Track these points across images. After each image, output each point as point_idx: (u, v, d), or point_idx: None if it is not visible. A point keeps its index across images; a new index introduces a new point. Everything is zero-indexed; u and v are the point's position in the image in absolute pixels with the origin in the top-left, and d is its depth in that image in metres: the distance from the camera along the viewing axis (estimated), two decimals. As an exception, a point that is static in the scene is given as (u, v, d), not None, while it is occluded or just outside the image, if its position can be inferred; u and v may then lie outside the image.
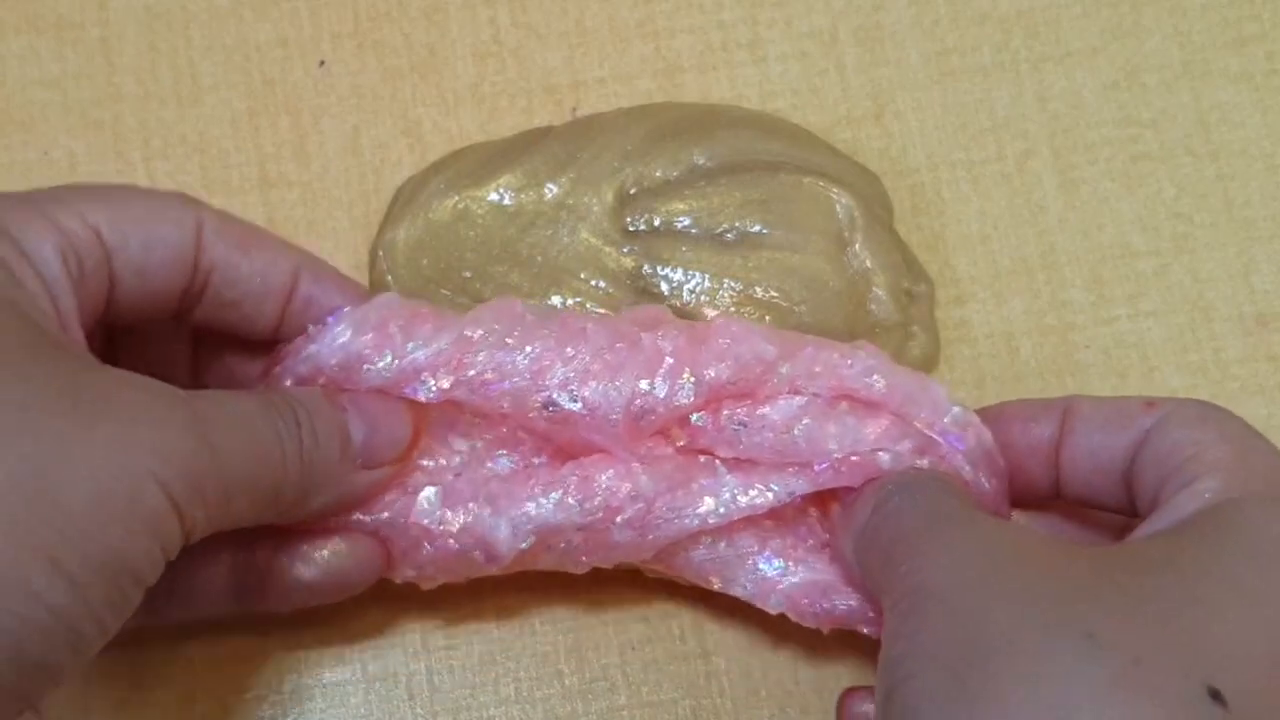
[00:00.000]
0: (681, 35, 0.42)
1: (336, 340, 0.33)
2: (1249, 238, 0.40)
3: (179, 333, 0.35)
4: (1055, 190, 0.41)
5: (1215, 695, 0.25)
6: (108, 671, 0.36)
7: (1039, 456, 0.33)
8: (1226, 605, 0.27)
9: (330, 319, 0.34)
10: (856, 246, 0.38)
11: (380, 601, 0.37)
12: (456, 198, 0.39)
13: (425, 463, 0.35)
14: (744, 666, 0.37)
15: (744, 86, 0.42)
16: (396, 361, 0.33)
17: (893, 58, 0.42)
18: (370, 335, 0.33)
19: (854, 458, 0.33)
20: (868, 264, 0.38)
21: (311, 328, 0.34)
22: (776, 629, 0.37)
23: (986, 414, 0.34)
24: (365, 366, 0.33)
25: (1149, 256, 0.40)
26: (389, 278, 0.38)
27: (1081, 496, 0.33)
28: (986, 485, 0.33)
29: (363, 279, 0.39)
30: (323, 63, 0.42)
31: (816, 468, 0.33)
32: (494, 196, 0.39)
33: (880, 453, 0.33)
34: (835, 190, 0.39)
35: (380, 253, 0.39)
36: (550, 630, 0.37)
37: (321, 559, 0.34)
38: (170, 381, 0.31)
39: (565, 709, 0.36)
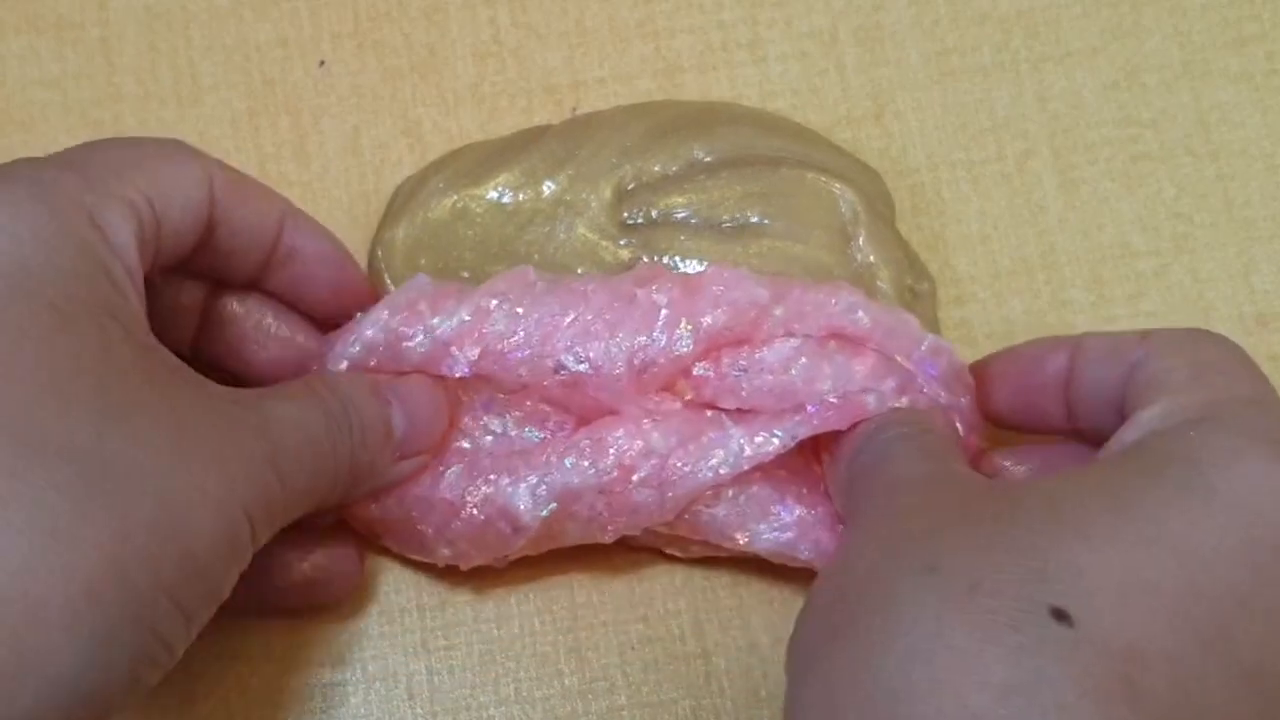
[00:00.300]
0: (681, 35, 0.42)
1: (379, 322, 0.35)
2: (1249, 238, 0.40)
3: (193, 285, 0.36)
4: (1055, 190, 0.41)
5: (1059, 615, 0.25)
6: (108, 671, 0.36)
7: (1052, 392, 0.34)
8: (1098, 530, 0.26)
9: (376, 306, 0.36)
10: (860, 241, 0.38)
11: (380, 601, 0.37)
12: (455, 196, 0.39)
13: (464, 445, 0.36)
14: (744, 666, 0.37)
15: (744, 86, 0.42)
16: (428, 337, 0.35)
17: (893, 58, 0.42)
18: (403, 314, 0.35)
19: (842, 399, 0.34)
20: (871, 259, 0.38)
21: (359, 314, 0.36)
22: (776, 629, 0.37)
23: (1002, 353, 0.35)
24: (404, 344, 0.35)
25: (1149, 256, 0.40)
26: (387, 277, 0.38)
27: (1092, 430, 0.33)
28: (962, 402, 0.35)
29: (362, 279, 0.39)
30: (323, 63, 0.42)
31: (810, 409, 0.34)
32: (492, 195, 0.39)
33: (866, 394, 0.34)
34: (838, 186, 0.39)
35: (379, 252, 0.39)
36: (550, 630, 0.37)
37: (301, 570, 0.35)
38: (178, 330, 0.35)
39: (565, 709, 0.36)
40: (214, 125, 0.41)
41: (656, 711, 0.36)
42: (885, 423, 0.34)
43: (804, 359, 0.35)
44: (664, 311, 0.35)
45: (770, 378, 0.35)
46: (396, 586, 0.37)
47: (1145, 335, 0.32)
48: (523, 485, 0.34)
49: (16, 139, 0.41)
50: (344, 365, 0.35)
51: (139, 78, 0.41)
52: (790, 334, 0.35)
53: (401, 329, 0.35)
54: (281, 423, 0.31)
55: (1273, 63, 0.42)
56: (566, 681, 0.37)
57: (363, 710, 0.36)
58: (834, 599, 0.28)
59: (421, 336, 0.35)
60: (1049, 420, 0.34)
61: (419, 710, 0.36)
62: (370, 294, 0.37)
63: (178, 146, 0.33)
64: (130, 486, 0.27)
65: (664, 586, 0.37)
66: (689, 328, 0.34)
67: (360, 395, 0.33)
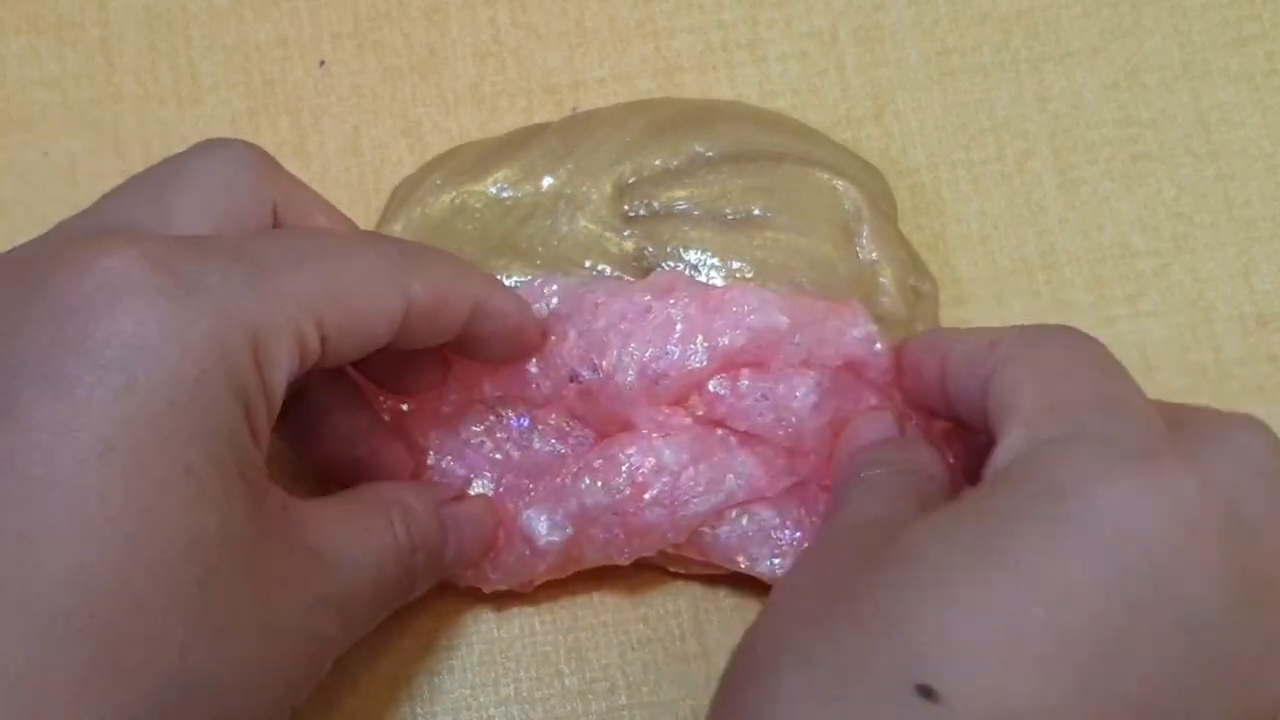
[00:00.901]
0: (681, 35, 0.42)
1: None
2: (1249, 238, 0.40)
3: None
4: (1055, 190, 0.41)
5: (925, 691, 0.24)
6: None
7: (935, 395, 0.33)
8: (962, 585, 0.25)
9: None
10: (863, 239, 0.38)
11: (380, 601, 0.37)
12: (454, 193, 0.39)
13: (496, 456, 0.36)
14: (744, 666, 0.37)
15: (744, 86, 0.42)
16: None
17: (893, 58, 0.42)
18: None
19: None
20: (874, 256, 0.38)
21: None
22: (776, 629, 0.37)
23: (902, 346, 0.34)
24: None
25: (1149, 256, 0.40)
26: (389, 277, 0.38)
27: (977, 430, 0.32)
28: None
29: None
30: (323, 63, 0.42)
31: (813, 456, 0.35)
32: (491, 190, 0.39)
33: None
34: (840, 183, 0.39)
35: (379, 252, 0.39)
36: (550, 630, 0.37)
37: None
38: None
39: (565, 709, 0.36)
40: (214, 125, 0.41)
41: (656, 711, 0.36)
42: (868, 460, 0.33)
43: (826, 416, 0.35)
44: (679, 326, 0.35)
45: (794, 420, 0.35)
46: (396, 586, 0.37)
47: (995, 342, 0.30)
48: (540, 509, 0.34)
49: (16, 139, 0.41)
50: None
51: (139, 78, 0.41)
52: (806, 363, 0.35)
53: None
54: (355, 571, 0.30)
55: (1273, 63, 0.42)
56: (566, 681, 0.37)
57: (363, 710, 0.36)
58: (737, 666, 0.28)
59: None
60: (942, 414, 0.33)
61: (419, 710, 0.36)
62: (543, 345, 0.35)
63: (378, 265, 0.29)
64: (203, 711, 0.26)
65: (664, 587, 0.37)
66: (705, 344, 0.34)
67: (430, 529, 0.32)
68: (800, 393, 0.35)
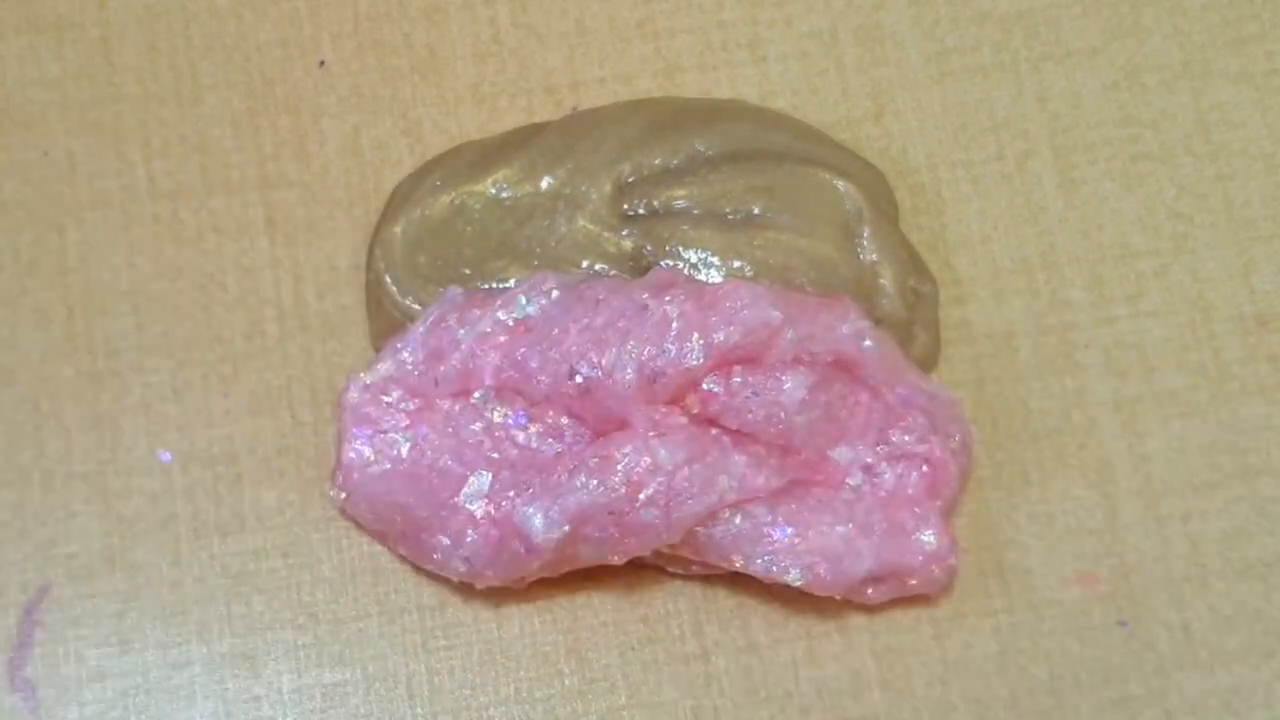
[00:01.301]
0: (681, 35, 0.42)
1: (414, 340, 0.36)
2: (1249, 238, 0.40)
3: None
4: (1055, 190, 0.41)
5: None
6: (105, 671, 0.36)
7: None
8: None
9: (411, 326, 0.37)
10: (864, 239, 0.38)
11: (380, 601, 0.37)
12: (453, 194, 0.39)
13: (494, 455, 0.36)
14: (744, 666, 0.37)
15: (744, 86, 0.42)
16: (457, 351, 0.36)
17: (893, 58, 0.42)
18: (436, 331, 0.36)
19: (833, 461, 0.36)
20: (874, 257, 0.38)
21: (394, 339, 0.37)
22: (777, 629, 0.37)
23: None
24: (440, 366, 0.36)
25: (1149, 256, 0.40)
26: (386, 277, 0.38)
27: None
28: (956, 439, 0.36)
29: (361, 279, 0.39)
30: (323, 63, 0.42)
31: (803, 456, 0.35)
32: (491, 191, 0.39)
33: (853, 464, 0.36)
34: (841, 183, 0.39)
35: (377, 251, 0.39)
36: (550, 630, 0.37)
37: None
38: None
39: (565, 709, 0.36)
40: (214, 125, 0.41)
41: (656, 711, 0.36)
42: None
43: (815, 410, 0.35)
44: (675, 323, 0.35)
45: (783, 415, 0.35)
46: (396, 586, 0.37)
47: None
48: (536, 506, 0.34)
49: (16, 139, 0.41)
50: (388, 379, 0.36)
51: (139, 78, 0.41)
52: (799, 358, 0.35)
53: (436, 346, 0.36)
54: None
55: (1273, 63, 0.42)
56: (566, 681, 0.37)
57: (363, 710, 0.36)
58: None
59: (455, 354, 0.36)
60: None
61: (419, 710, 0.36)
62: None
63: None
64: None
65: (664, 587, 0.37)
66: (701, 341, 0.35)
67: None
68: (789, 388, 0.35)
